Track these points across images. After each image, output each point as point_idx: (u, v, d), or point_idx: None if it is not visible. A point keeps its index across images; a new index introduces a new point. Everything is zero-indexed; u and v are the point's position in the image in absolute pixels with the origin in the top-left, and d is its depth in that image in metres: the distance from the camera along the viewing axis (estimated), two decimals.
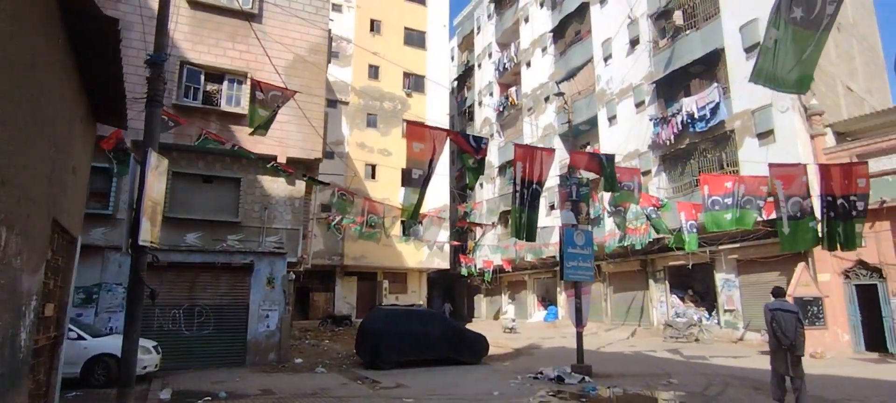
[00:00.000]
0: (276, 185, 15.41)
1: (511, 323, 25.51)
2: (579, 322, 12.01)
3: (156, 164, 6.46)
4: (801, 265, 15.45)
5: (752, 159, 16.54)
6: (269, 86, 9.28)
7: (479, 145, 7.51)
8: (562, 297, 28.83)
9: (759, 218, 11.75)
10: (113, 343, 10.51)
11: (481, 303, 35.82)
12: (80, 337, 10.22)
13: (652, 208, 13.87)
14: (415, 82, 32.75)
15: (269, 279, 13.80)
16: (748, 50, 17.67)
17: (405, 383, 10.83)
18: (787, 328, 7.53)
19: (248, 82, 15.30)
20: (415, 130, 6.92)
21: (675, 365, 13.38)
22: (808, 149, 16.19)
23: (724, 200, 11.97)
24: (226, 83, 15.35)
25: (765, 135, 16.96)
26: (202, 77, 14.99)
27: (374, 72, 31.55)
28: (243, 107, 15.03)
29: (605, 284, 25.17)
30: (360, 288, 29.31)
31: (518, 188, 7.31)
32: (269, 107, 8.02)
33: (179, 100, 14.28)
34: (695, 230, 14.02)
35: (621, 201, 11.46)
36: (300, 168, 15.87)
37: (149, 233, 6.26)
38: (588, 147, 26.44)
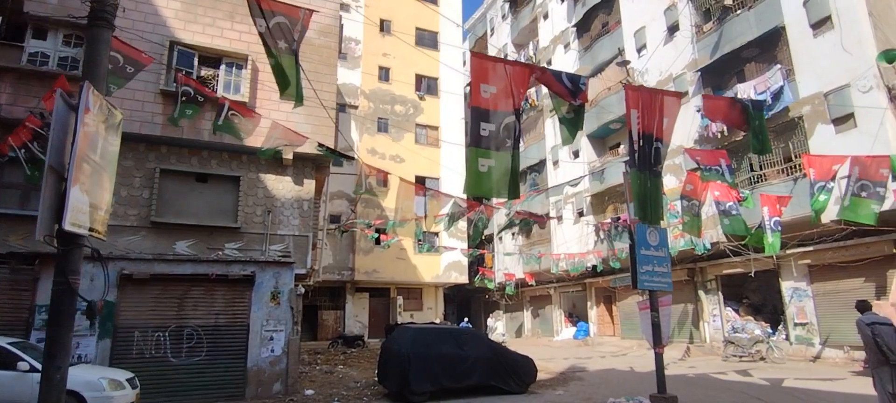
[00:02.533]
0: (281, 185, 13.26)
1: (501, 338, 23.18)
2: (658, 341, 9.64)
3: (99, 108, 4.28)
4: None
5: (828, 148, 14.29)
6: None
7: (578, 86, 5.36)
8: (593, 312, 26.42)
9: (878, 208, 9.47)
10: (75, 377, 8.25)
11: (500, 320, 33.35)
12: (32, 369, 7.97)
13: (733, 203, 11.57)
14: (428, 85, 30.75)
15: (274, 293, 11.56)
16: (816, 25, 15.52)
17: None
18: (891, 342, 7.04)
19: (249, 67, 13.26)
20: (481, 66, 4.74)
21: (767, 392, 11.00)
22: (892, 132, 13.90)
23: (830, 185, 9.75)
24: (223, 67, 13.29)
25: (842, 120, 14.69)
26: (196, 60, 12.93)
27: (384, 74, 29.57)
28: (243, 95, 12.96)
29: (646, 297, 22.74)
30: (373, 306, 26.96)
31: (636, 145, 5.14)
32: (283, 53, 5.84)
33: (168, 86, 12.20)
34: (780, 228, 11.70)
35: (708, 181, 9.17)
36: (309, 166, 13.75)
37: (86, 214, 4.07)
38: (620, 147, 24.25)
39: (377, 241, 25.20)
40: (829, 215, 14.44)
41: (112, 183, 4.59)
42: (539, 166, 29.64)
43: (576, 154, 25.94)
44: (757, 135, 6.02)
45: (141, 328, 10.58)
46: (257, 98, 13.16)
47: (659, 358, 9.73)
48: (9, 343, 8.16)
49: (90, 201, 4.14)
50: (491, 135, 4.82)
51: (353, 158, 8.97)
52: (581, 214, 25.66)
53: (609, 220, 23.02)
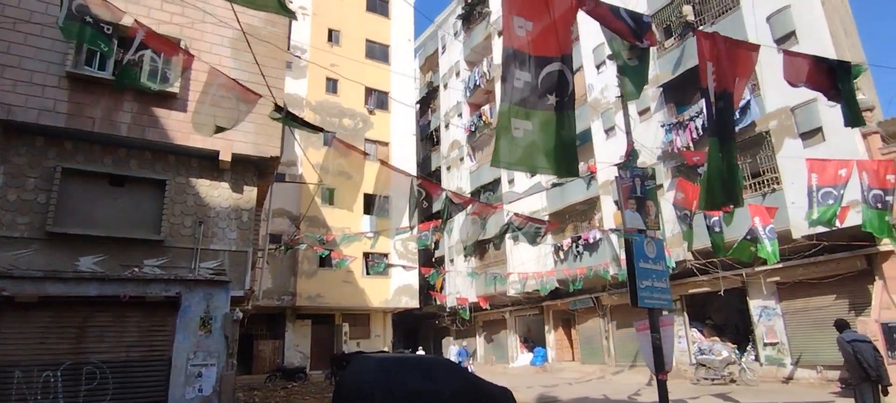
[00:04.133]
0: (217, 192, 11.28)
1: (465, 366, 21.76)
2: (661, 366, 8.52)
3: None
4: (878, 285, 12.75)
5: (795, 163, 14.03)
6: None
7: (642, 27, 4.12)
8: (550, 336, 25.37)
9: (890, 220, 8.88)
10: None
11: (450, 348, 31.76)
12: None
13: (717, 218, 10.74)
14: (378, 99, 29.28)
15: (204, 318, 9.52)
16: (780, 40, 15.44)
17: None
18: (870, 359, 7.44)
19: (181, 55, 11.29)
20: None
21: None
22: (861, 147, 13.82)
23: (837, 191, 9.09)
24: (149, 52, 11.24)
25: (810, 135, 14.54)
26: (115, 41, 10.83)
27: (332, 86, 27.86)
28: (174, 86, 10.97)
29: (605, 320, 21.95)
30: (316, 334, 24.63)
31: (713, 107, 3.91)
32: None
33: (78, 69, 10.06)
34: (775, 236, 11.01)
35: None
36: (250, 171, 11.86)
37: None
38: (584, 164, 23.66)
39: (322, 262, 23.16)
40: (800, 230, 14.16)
41: None
42: (493, 185, 28.68)
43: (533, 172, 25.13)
44: (848, 102, 5.00)
45: (23, 366, 8.22)
46: (191, 89, 11.19)
47: (662, 386, 8.57)
48: None
49: None
50: (528, 89, 3.45)
51: (322, 130, 7.34)
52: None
53: (569, 239, 22.19)
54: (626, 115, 9.74)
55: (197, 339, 9.41)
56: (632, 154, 9.08)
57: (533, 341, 27.70)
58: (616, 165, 9.60)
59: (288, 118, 6.08)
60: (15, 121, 9.51)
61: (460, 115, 32.50)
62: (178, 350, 9.24)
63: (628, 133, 9.61)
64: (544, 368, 24.50)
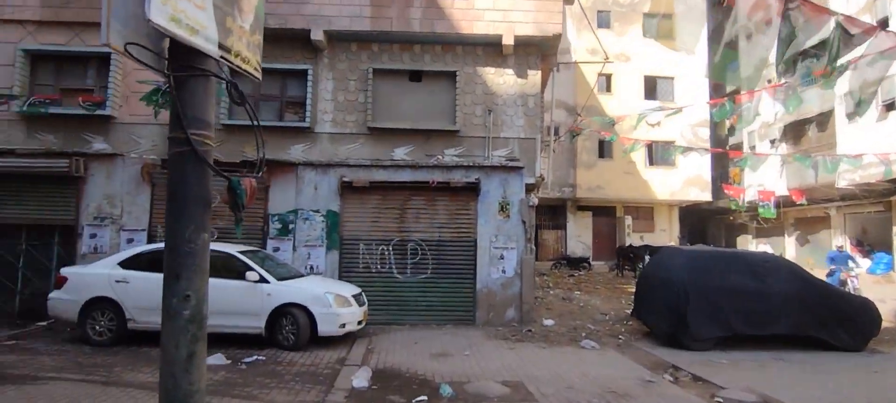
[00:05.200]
0: (502, 80, 11.08)
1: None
2: None
3: None
4: None
5: None
6: None
7: None
8: None
9: None
10: (302, 290, 7.51)
11: (763, 246, 27.52)
12: (261, 280, 7.39)
13: None
14: None
15: (502, 204, 9.69)
16: None
17: (777, 397, 5.64)
18: None
19: None
20: None
21: None
22: None
23: None
24: None
25: None
26: None
27: None
28: None
29: None
30: (597, 226, 24.19)
31: None
32: None
33: None
34: None
35: None
36: (533, 54, 11.27)
37: (205, 13, 2.16)
38: None
39: (602, 153, 22.06)
40: None
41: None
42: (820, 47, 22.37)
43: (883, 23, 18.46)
44: None
45: (365, 240, 9.75)
46: None
47: None
48: (240, 252, 7.71)
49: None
50: None
51: None
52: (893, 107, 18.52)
53: None
54: None
55: (497, 223, 9.68)
56: None
57: (870, 244, 21.86)
58: None
59: None
60: (334, 31, 10.77)
61: None
62: (482, 233, 9.68)
63: None
64: (889, 278, 19.17)
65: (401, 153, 10.64)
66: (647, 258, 18.11)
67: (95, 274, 7.58)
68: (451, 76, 11.03)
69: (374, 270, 9.67)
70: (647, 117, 15.63)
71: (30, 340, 7.73)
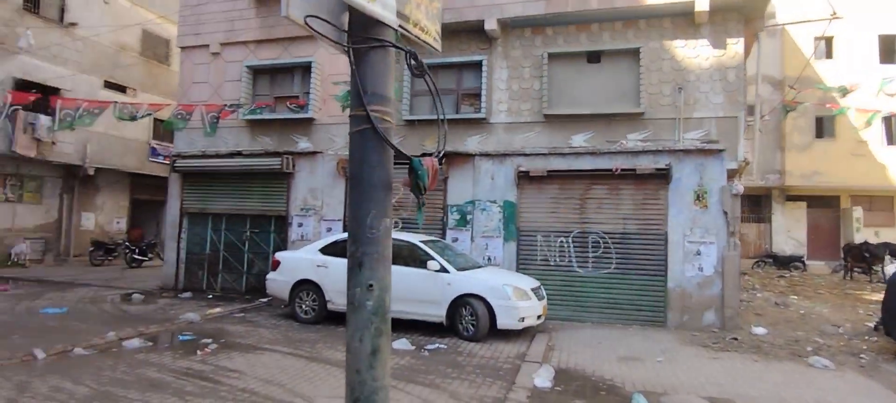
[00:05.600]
0: (695, 52, 9.77)
1: None
2: None
3: None
4: None
5: None
6: None
7: None
8: None
9: None
10: (481, 281, 7.46)
11: None
12: (442, 270, 7.52)
13: None
14: None
15: (699, 193, 8.53)
16: None
17: None
18: None
19: None
20: None
21: None
22: None
23: None
24: None
25: None
26: None
27: None
28: None
29: None
30: (812, 219, 20.39)
31: None
32: None
33: None
34: None
35: None
36: (733, 18, 9.74)
37: None
38: None
39: (820, 132, 18.48)
40: None
41: None
42: None
43: None
44: None
45: (543, 231, 9.40)
46: None
47: None
48: (421, 241, 7.96)
49: None
50: None
51: None
52: None
53: None
54: None
55: (692, 214, 8.56)
56: None
57: None
58: None
59: None
60: (508, 18, 10.56)
61: None
62: (673, 226, 8.65)
63: None
64: None
65: (579, 140, 10.04)
66: (888, 259, 14.70)
67: (301, 259, 8.49)
68: (634, 54, 10.07)
69: (552, 263, 9.27)
70: (887, 85, 12.66)
71: (253, 313, 8.99)
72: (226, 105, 11.16)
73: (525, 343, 7.17)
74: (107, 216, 18.59)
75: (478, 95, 10.65)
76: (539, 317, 7.52)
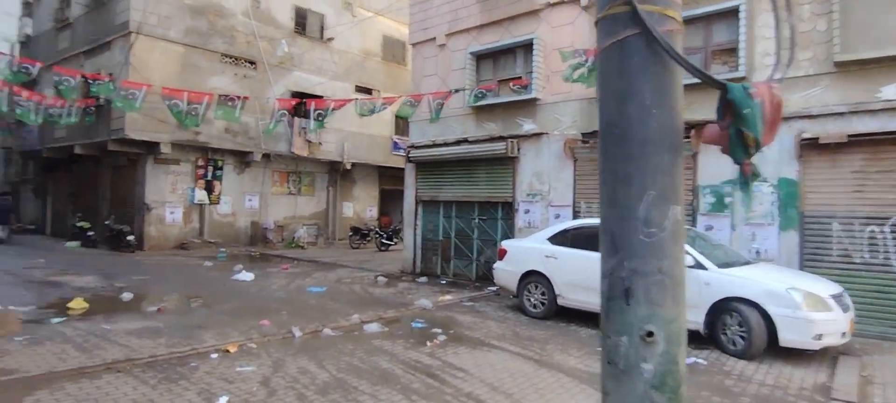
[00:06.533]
0: None
1: None
2: None
3: None
4: None
5: None
6: None
7: None
8: None
9: None
10: (753, 282, 5.85)
11: None
12: (697, 265, 6.11)
13: None
14: None
15: None
16: None
17: None
18: None
19: None
20: None
21: None
22: None
23: None
24: None
25: None
26: None
27: None
28: None
29: None
30: None
31: None
32: None
33: None
34: None
35: None
36: None
37: None
38: None
39: None
40: None
41: None
42: None
43: None
44: None
45: (841, 217, 7.07)
46: None
47: None
48: None
49: None
50: None
51: None
52: None
53: None
54: None
55: None
56: None
57: None
58: None
59: None
60: None
61: None
62: None
63: None
64: None
65: (894, 91, 7.30)
66: None
67: (529, 248, 7.96)
68: None
69: (857, 260, 6.90)
70: None
71: (482, 303, 8.82)
72: (451, 91, 11.32)
73: (823, 369, 5.35)
74: (361, 205, 21.23)
75: (733, 50, 8.62)
76: (844, 335, 5.56)
